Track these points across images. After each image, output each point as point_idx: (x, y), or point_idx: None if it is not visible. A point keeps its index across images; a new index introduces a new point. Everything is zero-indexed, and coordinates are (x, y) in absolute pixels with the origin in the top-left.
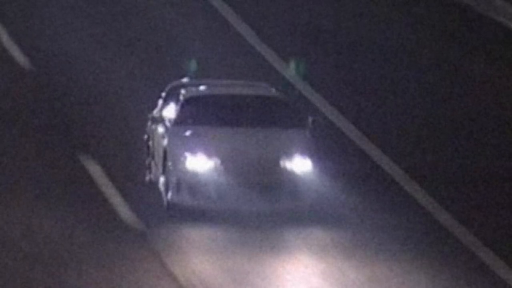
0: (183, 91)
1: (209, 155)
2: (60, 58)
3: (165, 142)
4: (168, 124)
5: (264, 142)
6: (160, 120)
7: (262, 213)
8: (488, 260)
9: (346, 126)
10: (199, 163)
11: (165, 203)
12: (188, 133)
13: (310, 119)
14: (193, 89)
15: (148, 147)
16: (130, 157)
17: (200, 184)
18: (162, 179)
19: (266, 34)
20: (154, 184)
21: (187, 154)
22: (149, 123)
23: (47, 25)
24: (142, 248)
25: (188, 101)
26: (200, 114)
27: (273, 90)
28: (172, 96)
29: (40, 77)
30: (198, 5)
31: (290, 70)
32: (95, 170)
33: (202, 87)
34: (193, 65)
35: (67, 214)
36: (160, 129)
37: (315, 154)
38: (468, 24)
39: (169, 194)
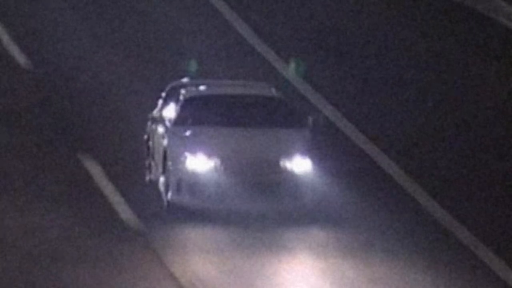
0: (183, 91)
1: (209, 155)
2: (60, 58)
3: (165, 142)
4: (168, 124)
5: (264, 142)
6: (160, 120)
7: (262, 213)
8: (488, 260)
9: (346, 126)
10: (199, 163)
11: (165, 203)
12: (188, 133)
13: (310, 119)
14: (193, 89)
15: (148, 147)
16: (130, 157)
17: (200, 184)
18: (162, 179)
19: (266, 34)
20: (154, 184)
21: (187, 154)
22: (149, 123)
23: (47, 25)
24: (142, 248)
25: (188, 101)
26: (200, 114)
27: (273, 90)
28: (172, 96)
29: (40, 77)
30: (198, 5)
31: (290, 70)
32: (95, 170)
33: (202, 87)
34: (193, 65)
35: (67, 214)
36: (160, 129)
37: (315, 154)
38: (468, 24)
39: (169, 194)
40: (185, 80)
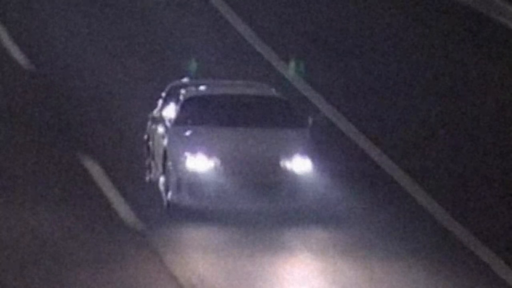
0: (183, 91)
1: (209, 155)
2: (60, 58)
3: (165, 142)
4: (168, 124)
5: (264, 142)
6: (160, 120)
7: (262, 213)
8: (488, 260)
9: (346, 126)
10: (199, 163)
11: (165, 203)
12: (188, 133)
13: (310, 119)
14: (193, 89)
15: (148, 147)
16: (130, 157)
17: (200, 184)
18: (162, 179)
19: (266, 34)
20: (154, 184)
21: (187, 154)
22: (149, 123)
23: (47, 25)
24: (142, 248)
25: (188, 101)
26: (200, 114)
27: (273, 90)
28: (172, 96)
29: (40, 77)
30: (198, 5)
31: (290, 70)
32: (95, 170)
33: (202, 87)
34: (193, 65)
35: (67, 214)
36: (160, 129)
37: (315, 154)
38: (468, 24)
39: (169, 194)
40: (185, 80)
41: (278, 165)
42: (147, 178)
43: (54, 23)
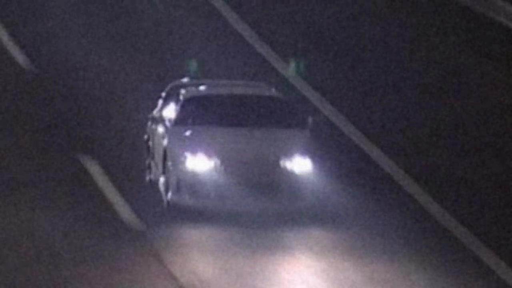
0: (183, 91)
1: (209, 155)
2: (60, 58)
3: (165, 142)
4: (168, 124)
5: (264, 142)
6: (160, 120)
7: (262, 213)
8: (488, 260)
9: (346, 126)
10: (199, 163)
11: (165, 203)
12: (188, 133)
13: (310, 119)
14: (193, 89)
15: (148, 147)
16: (130, 157)
17: (200, 184)
18: (162, 179)
19: (266, 34)
20: (154, 184)
21: (187, 154)
22: (149, 123)
23: (47, 25)
24: (142, 248)
25: (188, 101)
26: (200, 114)
27: (273, 90)
28: (172, 96)
29: (40, 77)
30: (198, 5)
31: (290, 70)
32: (95, 170)
33: (202, 87)
34: (193, 65)
35: (67, 214)
36: (160, 129)
37: (315, 154)
38: (468, 24)
39: (169, 194)
40: (185, 80)
41: (278, 165)
42: (147, 178)
43: (54, 23)
